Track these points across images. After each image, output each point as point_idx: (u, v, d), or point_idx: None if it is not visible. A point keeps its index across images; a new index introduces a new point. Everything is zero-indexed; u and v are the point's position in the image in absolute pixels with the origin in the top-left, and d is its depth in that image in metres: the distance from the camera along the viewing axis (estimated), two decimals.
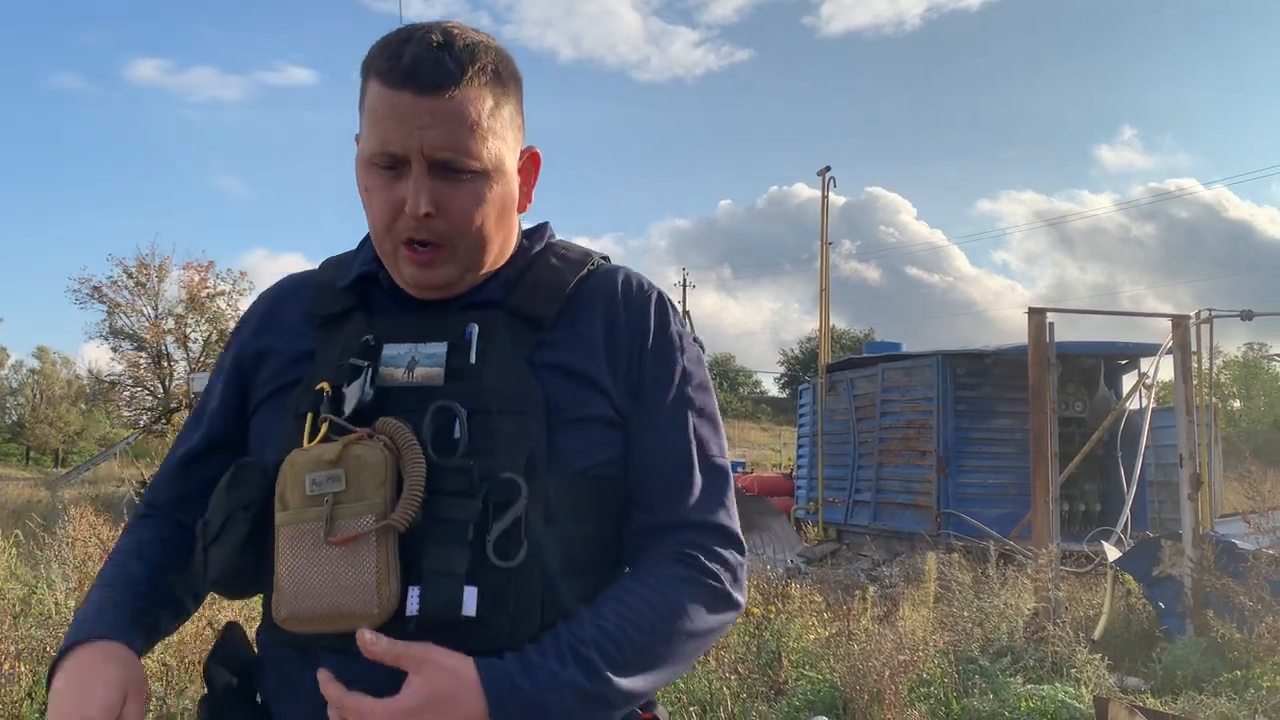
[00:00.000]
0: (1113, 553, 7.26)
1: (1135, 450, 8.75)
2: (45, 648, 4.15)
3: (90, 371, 37.27)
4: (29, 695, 3.92)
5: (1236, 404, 35.75)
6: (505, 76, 1.21)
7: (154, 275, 32.85)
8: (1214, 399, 13.24)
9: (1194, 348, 8.94)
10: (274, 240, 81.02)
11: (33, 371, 45.30)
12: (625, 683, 1.11)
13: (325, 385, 1.18)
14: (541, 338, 1.21)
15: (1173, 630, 6.29)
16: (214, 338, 33.02)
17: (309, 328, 1.28)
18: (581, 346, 1.22)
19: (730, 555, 1.23)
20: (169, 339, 33.00)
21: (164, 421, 24.61)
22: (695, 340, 1.31)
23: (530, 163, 1.29)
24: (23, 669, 3.97)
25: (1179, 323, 7.14)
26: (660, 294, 1.31)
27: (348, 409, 1.15)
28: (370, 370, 1.18)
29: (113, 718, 1.08)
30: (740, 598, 1.23)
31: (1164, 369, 8.88)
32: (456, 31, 1.19)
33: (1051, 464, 6.66)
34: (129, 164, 62.77)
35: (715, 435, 1.28)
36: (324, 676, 1.09)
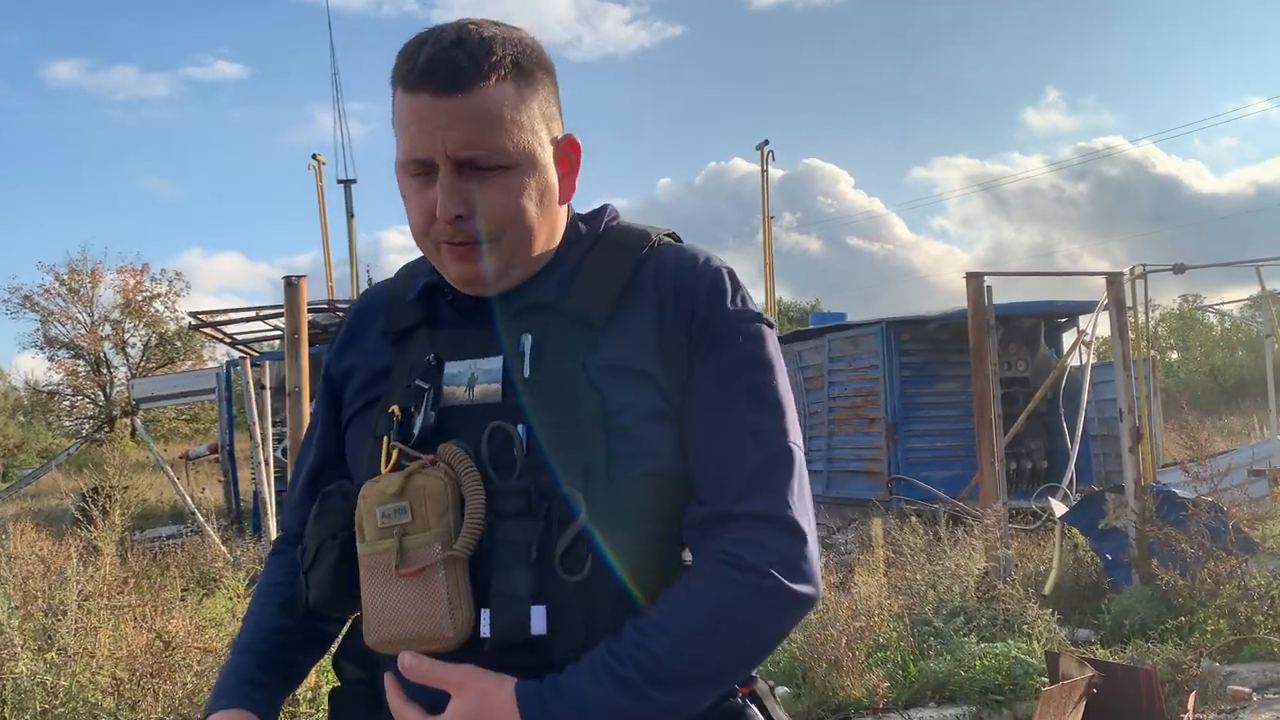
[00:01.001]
0: (1059, 508, 7.40)
1: (1077, 406, 8.92)
2: None
3: (27, 383, 36.41)
4: None
5: (1174, 355, 36.57)
6: (529, 66, 1.19)
7: (87, 281, 32.14)
8: (1152, 351, 13.54)
9: (1130, 303, 9.13)
10: (208, 240, 79.41)
11: None
12: (668, 698, 1.09)
13: (395, 409, 1.20)
14: (597, 339, 1.18)
15: (1119, 581, 6.44)
16: (153, 341, 32.44)
17: (385, 343, 1.31)
18: (634, 341, 1.19)
19: (786, 547, 1.14)
20: (107, 345, 32.36)
21: (107, 429, 24.08)
22: (759, 316, 1.23)
23: (570, 150, 1.25)
24: None
25: (1114, 280, 7.27)
26: (718, 270, 1.24)
27: (414, 433, 1.18)
28: (432, 392, 1.20)
29: None
30: (803, 589, 1.14)
31: (1101, 325, 9.08)
32: (473, 27, 1.17)
33: (996, 425, 6.76)
34: (52, 168, 60.99)
35: (776, 417, 1.20)
36: (390, 683, 1.14)
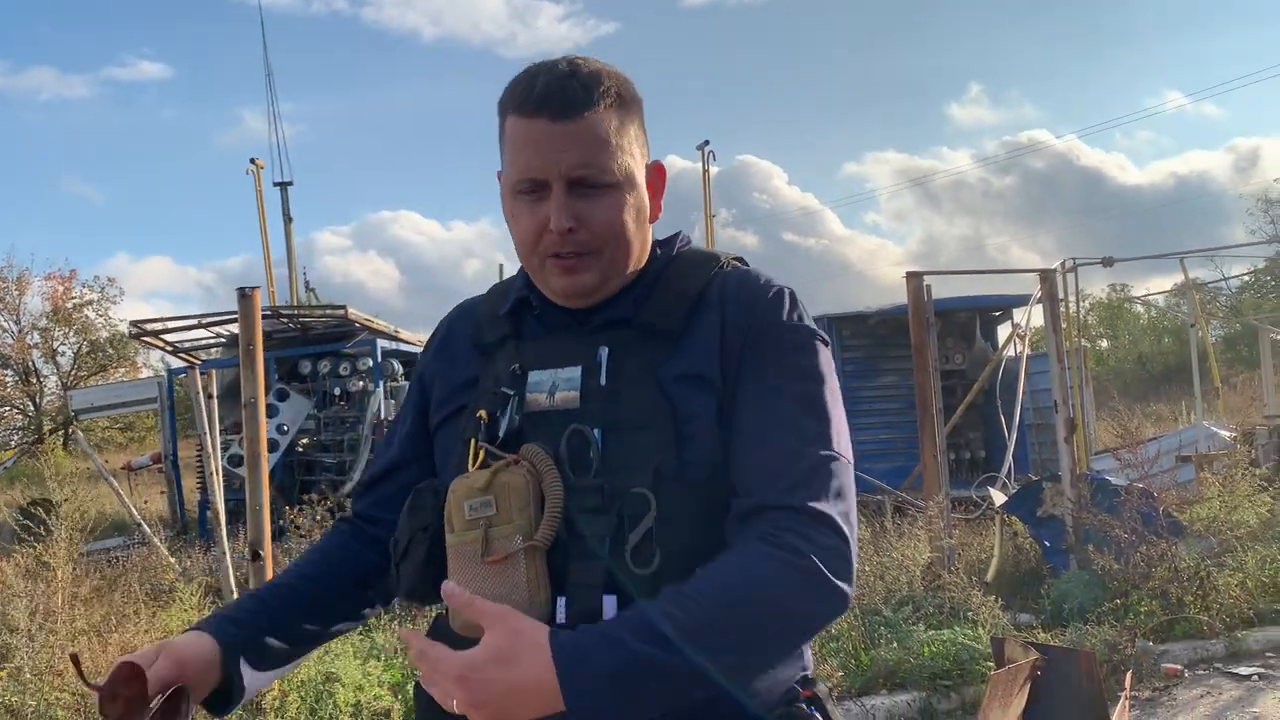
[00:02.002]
0: (999, 498, 7.64)
1: (1014, 397, 9.19)
2: None
3: None
4: None
5: (1104, 343, 37.51)
6: (627, 100, 1.31)
7: (13, 288, 31.26)
8: (1083, 340, 13.94)
9: (1061, 296, 9.43)
10: (134, 245, 77.22)
11: None
12: (697, 657, 1.08)
13: (483, 414, 1.31)
14: (669, 350, 1.29)
15: (1058, 566, 6.67)
16: (85, 349, 31.67)
17: (474, 354, 1.41)
18: (700, 350, 1.29)
19: (828, 540, 1.16)
20: (36, 354, 31.52)
21: (38, 441, 23.53)
22: (815, 332, 1.31)
23: (657, 175, 1.38)
24: None
25: (1046, 276, 7.52)
26: (780, 289, 1.33)
27: (499, 435, 1.28)
28: (517, 398, 1.30)
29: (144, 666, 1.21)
30: (840, 584, 1.16)
31: (1035, 317, 9.35)
32: (581, 61, 1.30)
33: (937, 418, 6.97)
34: None
35: (824, 425, 1.24)
36: (412, 633, 1.20)
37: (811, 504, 1.18)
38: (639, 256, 1.35)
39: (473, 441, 1.30)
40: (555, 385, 1.30)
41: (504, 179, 1.33)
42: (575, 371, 1.30)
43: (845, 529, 1.19)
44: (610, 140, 1.27)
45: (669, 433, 1.24)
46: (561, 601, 1.22)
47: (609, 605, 1.20)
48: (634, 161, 1.31)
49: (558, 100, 1.25)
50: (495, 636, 1.11)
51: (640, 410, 1.25)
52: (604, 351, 1.30)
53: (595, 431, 1.25)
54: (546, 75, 1.28)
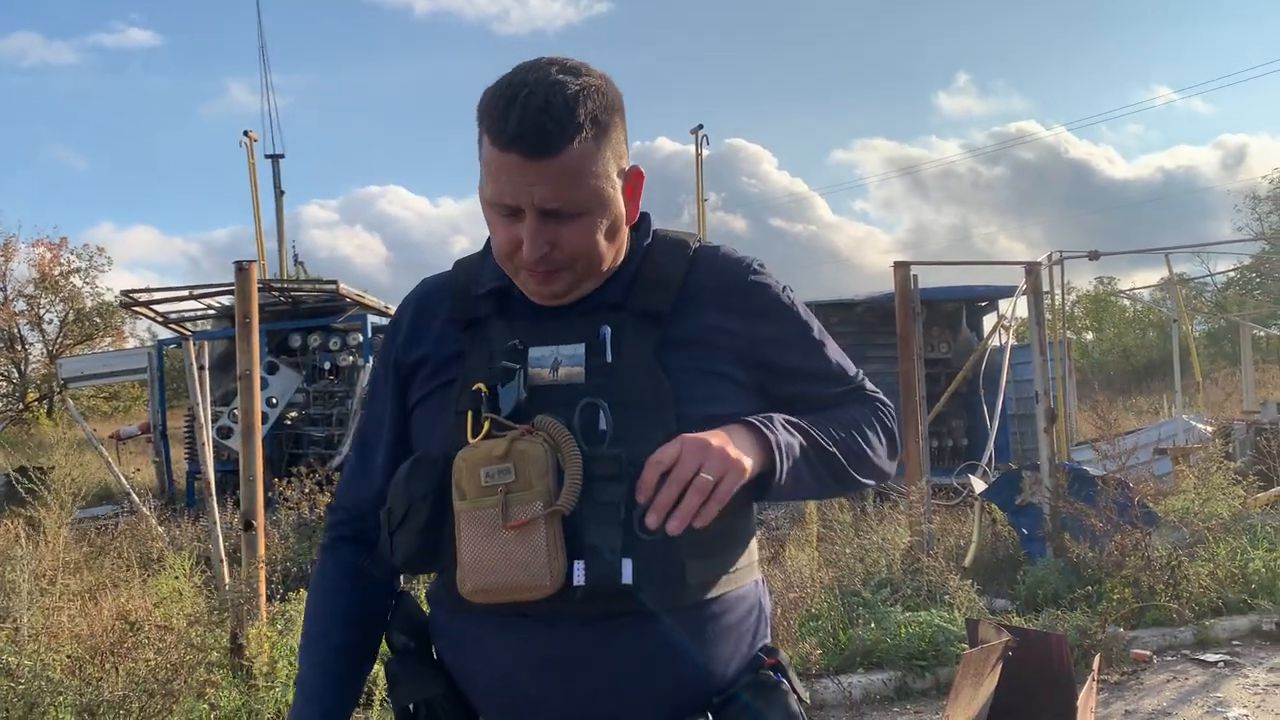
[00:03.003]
0: (979, 485, 7.77)
1: (997, 387, 9.31)
2: None
3: None
4: None
5: (1089, 336, 37.73)
6: (604, 120, 1.32)
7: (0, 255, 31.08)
8: (1068, 332, 14.08)
9: (1046, 288, 9.54)
10: (119, 214, 76.35)
11: None
12: (835, 461, 1.41)
13: (482, 387, 1.35)
14: (664, 332, 1.38)
15: (1034, 554, 6.80)
16: (70, 318, 31.55)
17: (455, 331, 1.45)
18: (704, 342, 1.40)
19: (888, 405, 1.55)
20: (21, 321, 31.37)
21: (25, 409, 23.48)
22: (786, 287, 1.50)
23: (635, 179, 1.42)
24: None
25: (1032, 269, 7.63)
26: (753, 265, 1.49)
27: (506, 408, 1.33)
28: (522, 371, 1.35)
29: None
30: (891, 469, 1.54)
31: (1020, 309, 9.47)
32: (557, 89, 1.28)
33: (920, 406, 7.08)
34: None
35: (845, 359, 1.55)
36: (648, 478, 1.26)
37: (873, 390, 1.57)
38: (614, 260, 1.41)
39: (470, 413, 1.34)
40: (559, 361, 1.36)
41: (481, 186, 1.37)
42: (579, 349, 1.36)
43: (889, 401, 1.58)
44: (584, 172, 1.30)
45: (669, 411, 1.32)
46: (580, 565, 1.27)
47: (626, 569, 1.26)
48: (609, 182, 1.34)
49: (530, 139, 1.27)
50: (702, 435, 1.27)
51: (644, 388, 1.33)
52: (607, 330, 1.36)
53: (605, 405, 1.32)
54: (520, 109, 1.27)
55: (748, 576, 1.44)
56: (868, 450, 1.47)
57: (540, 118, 1.27)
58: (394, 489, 1.37)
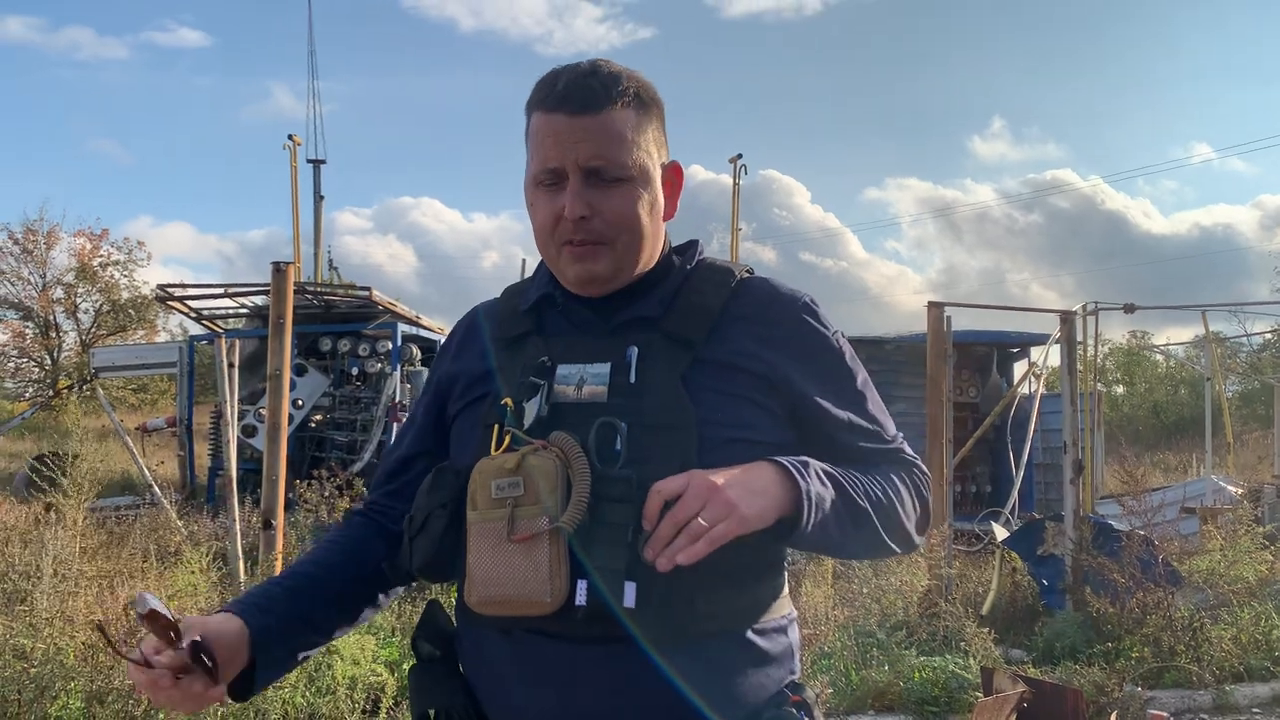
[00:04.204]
0: (1001, 533, 7.69)
1: (1024, 435, 9.23)
2: None
3: None
4: None
5: (1120, 389, 37.34)
6: (646, 100, 1.40)
7: (42, 242, 31.56)
8: (1099, 384, 13.95)
9: (1080, 339, 9.46)
10: (158, 208, 77.22)
11: None
12: (868, 519, 1.38)
13: (508, 401, 1.37)
14: (695, 355, 1.37)
15: (1053, 605, 6.71)
16: (105, 308, 31.94)
17: (494, 348, 1.48)
18: (736, 367, 1.38)
19: (921, 468, 1.53)
20: (58, 309, 31.80)
21: (55, 396, 23.75)
22: (838, 332, 1.49)
23: (674, 174, 1.46)
24: None
25: (1066, 318, 7.57)
26: (805, 301, 1.48)
27: (526, 422, 1.33)
28: (546, 388, 1.36)
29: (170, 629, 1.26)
30: (919, 542, 1.52)
31: (1053, 357, 9.40)
32: (603, 63, 1.40)
33: (946, 449, 7.03)
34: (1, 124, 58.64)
35: (886, 418, 1.52)
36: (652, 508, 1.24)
37: (914, 459, 1.53)
38: (651, 251, 1.42)
39: (496, 426, 1.35)
40: (583, 379, 1.36)
41: (526, 173, 1.41)
42: (604, 368, 1.36)
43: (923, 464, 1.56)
44: (626, 135, 1.35)
45: (691, 434, 1.31)
46: (583, 585, 1.26)
47: (629, 591, 1.25)
48: (649, 159, 1.39)
49: (577, 96, 1.34)
50: (715, 472, 1.25)
51: (666, 410, 1.32)
52: (634, 351, 1.36)
53: (623, 425, 1.31)
54: (569, 74, 1.37)
55: (776, 610, 1.42)
56: (902, 517, 1.44)
57: (588, 79, 1.36)
58: (417, 497, 1.39)
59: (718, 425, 1.33)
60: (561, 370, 1.38)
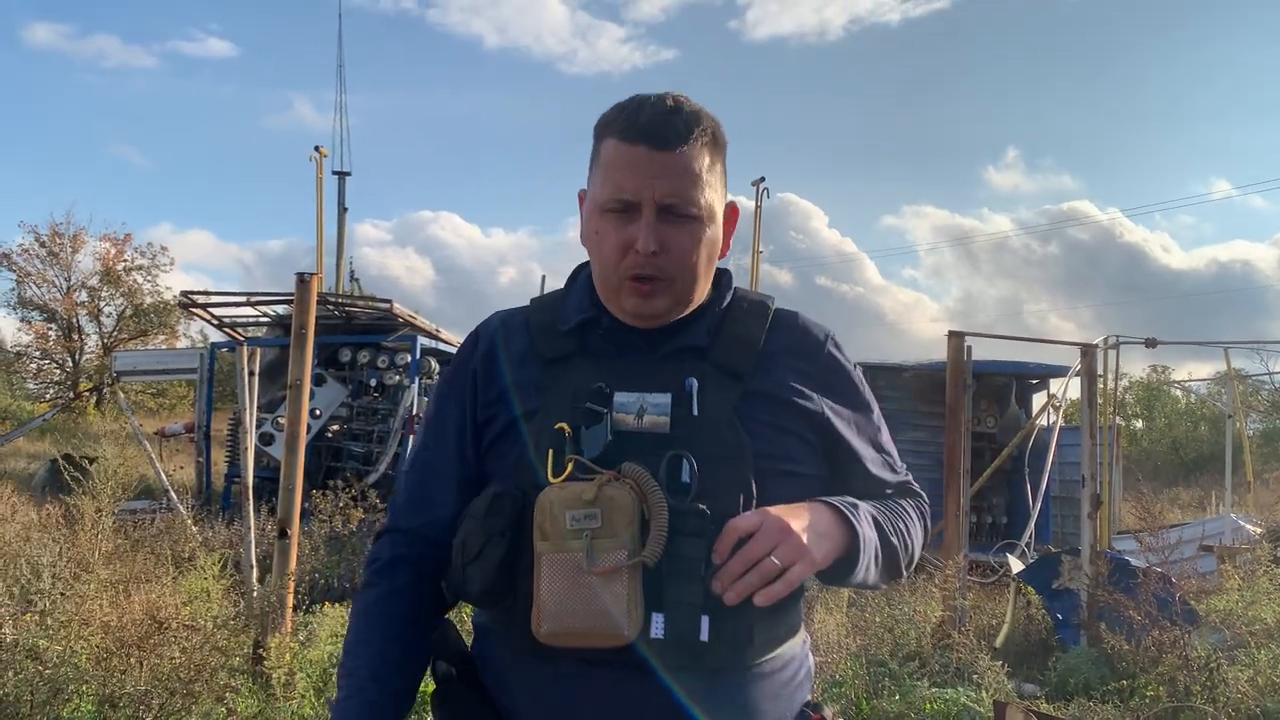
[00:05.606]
0: (1016, 565, 7.63)
1: (1042, 467, 9.17)
2: None
3: None
4: None
5: (1139, 424, 37.04)
6: (719, 141, 1.42)
7: (68, 245, 31.86)
8: (1118, 418, 13.86)
9: (1100, 372, 9.41)
10: (178, 215, 77.82)
11: None
12: (897, 552, 1.47)
13: (565, 427, 1.35)
14: (744, 388, 1.39)
15: (1068, 640, 6.65)
16: (128, 312, 32.17)
17: (535, 366, 1.44)
18: (782, 400, 1.41)
19: (926, 500, 1.61)
20: (82, 312, 32.06)
21: (74, 398, 23.94)
22: (856, 367, 1.55)
23: (732, 215, 1.47)
24: None
25: (1087, 351, 7.53)
26: (831, 337, 1.54)
27: (589, 450, 1.31)
28: (608, 416, 1.35)
29: None
30: (907, 571, 1.57)
31: (1072, 389, 9.34)
32: (684, 100, 1.42)
33: (963, 479, 6.99)
34: (24, 128, 59.22)
35: (894, 447, 1.60)
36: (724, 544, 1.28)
37: (915, 485, 1.61)
38: (703, 289, 1.44)
39: (552, 452, 1.32)
40: (644, 408, 1.36)
41: (591, 197, 1.41)
42: (665, 398, 1.36)
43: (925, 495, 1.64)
44: (701, 175, 1.37)
45: (748, 467, 1.33)
46: (659, 619, 1.27)
47: (705, 625, 1.27)
48: (717, 198, 1.41)
49: (660, 132, 1.35)
50: (784, 512, 1.30)
51: (724, 443, 1.34)
52: (693, 383, 1.36)
53: (691, 458, 1.31)
54: (652, 108, 1.38)
55: (797, 636, 1.47)
56: (916, 549, 1.52)
57: (670, 115, 1.37)
58: (469, 521, 1.36)
59: (770, 458, 1.36)
60: (619, 398, 1.37)
